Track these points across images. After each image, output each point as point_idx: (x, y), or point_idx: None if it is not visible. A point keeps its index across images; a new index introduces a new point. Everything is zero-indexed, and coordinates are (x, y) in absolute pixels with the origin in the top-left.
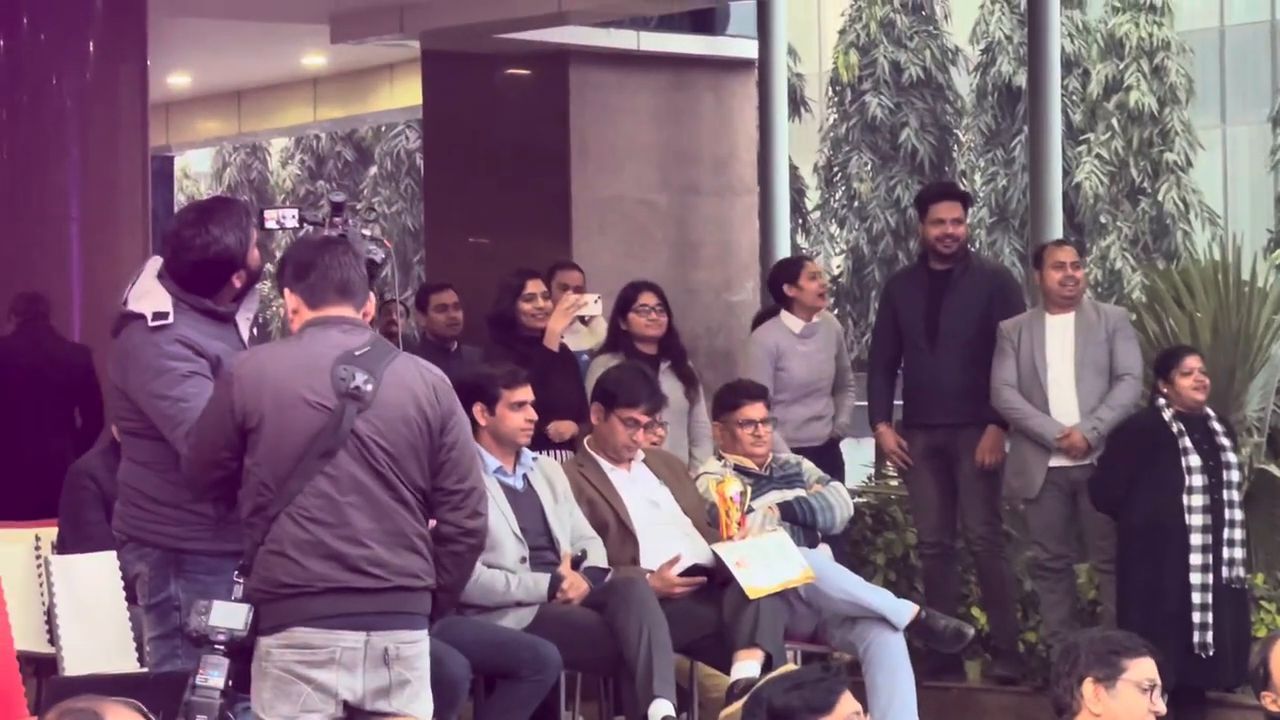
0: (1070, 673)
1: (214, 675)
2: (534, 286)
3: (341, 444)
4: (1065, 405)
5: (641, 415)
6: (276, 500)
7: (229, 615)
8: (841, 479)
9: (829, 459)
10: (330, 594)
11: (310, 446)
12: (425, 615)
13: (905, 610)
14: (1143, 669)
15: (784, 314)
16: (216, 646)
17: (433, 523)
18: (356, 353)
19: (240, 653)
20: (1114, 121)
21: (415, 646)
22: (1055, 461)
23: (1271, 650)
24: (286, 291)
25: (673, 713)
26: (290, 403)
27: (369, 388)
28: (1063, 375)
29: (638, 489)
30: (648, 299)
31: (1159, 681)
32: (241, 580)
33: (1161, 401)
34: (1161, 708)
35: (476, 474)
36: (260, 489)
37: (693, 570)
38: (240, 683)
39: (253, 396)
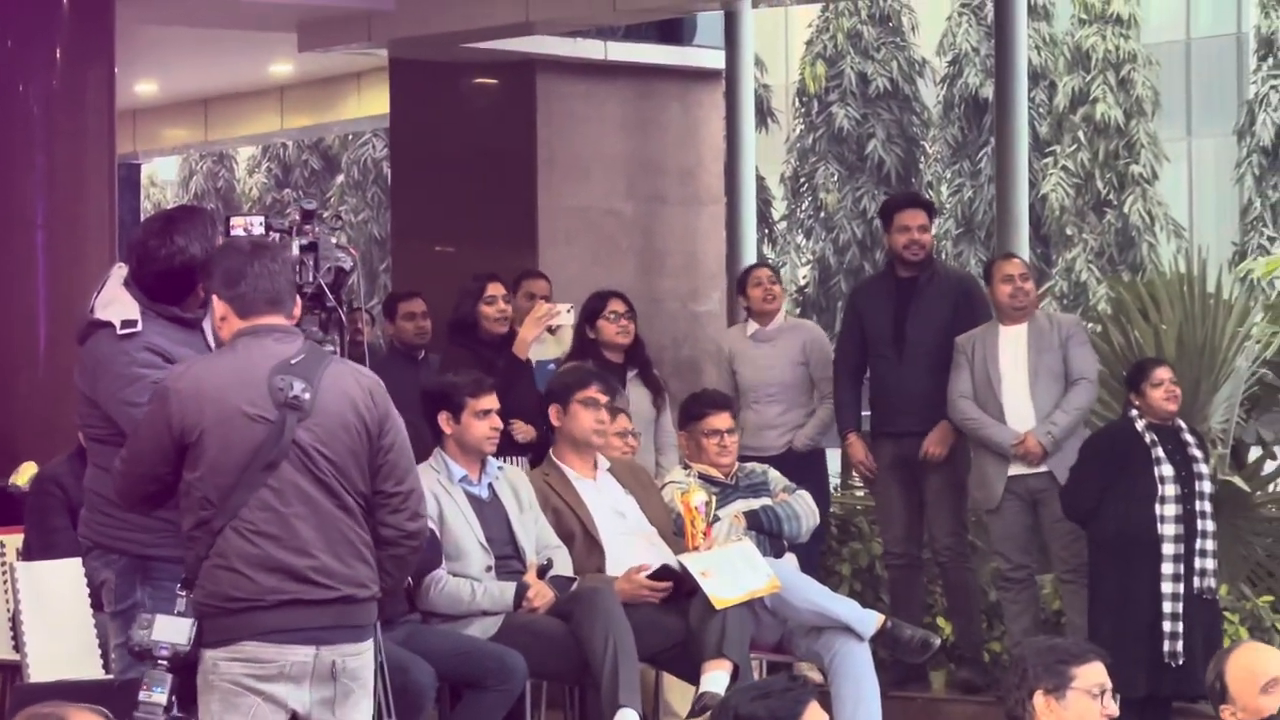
0: (1020, 685)
1: (157, 691)
2: (494, 289)
3: (284, 455)
4: (1021, 414)
5: (598, 394)
6: (220, 514)
7: (172, 630)
8: (825, 490)
9: (811, 470)
10: (281, 608)
11: (253, 460)
12: (370, 625)
13: (871, 620)
14: (1091, 675)
15: (748, 319)
16: (159, 662)
17: None
18: (292, 361)
19: (184, 667)
20: (1080, 134)
21: (360, 658)
22: (1014, 470)
23: (1226, 664)
24: (215, 298)
25: None
26: (229, 416)
27: (307, 396)
28: (1017, 385)
29: (604, 498)
30: (616, 306)
31: (1109, 685)
32: (185, 594)
33: (1134, 413)
34: (1114, 710)
35: (414, 476)
36: (203, 503)
37: (661, 572)
38: (183, 697)
39: (193, 411)
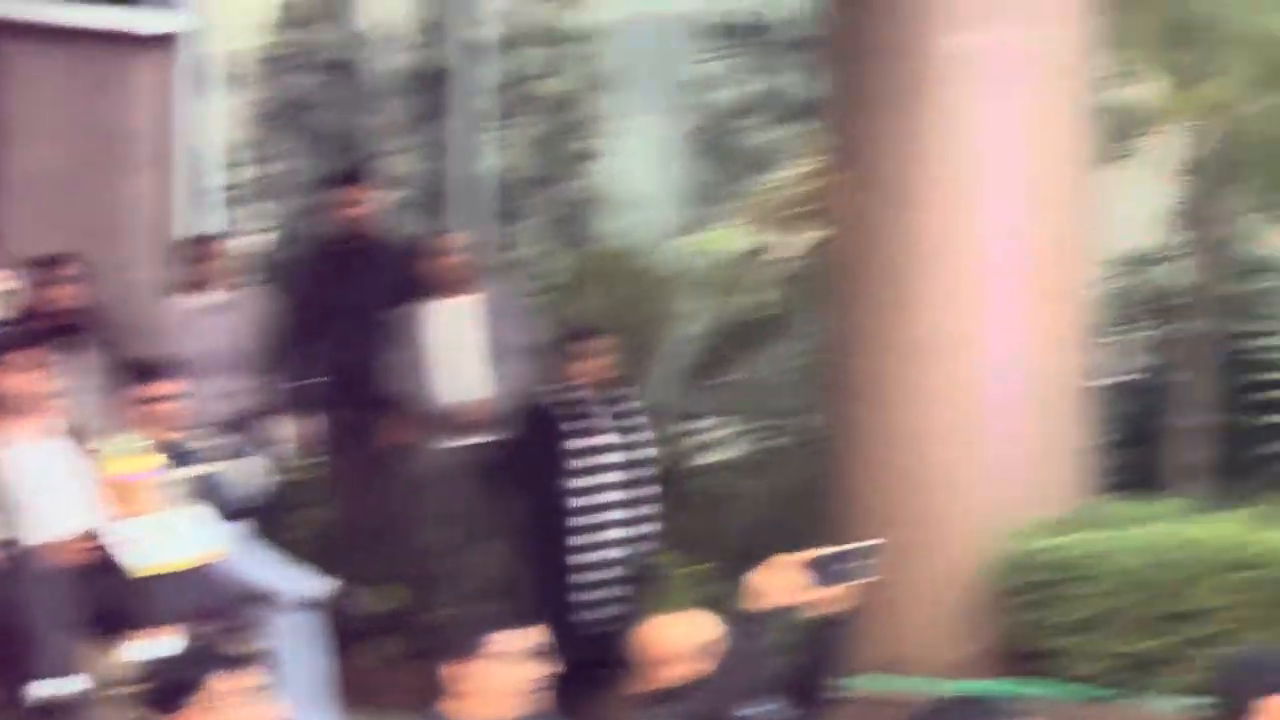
0: (456, 651)
1: None
2: None
3: None
4: (461, 385)
5: (34, 355)
6: None
7: None
8: (270, 455)
9: (252, 436)
10: None
11: None
12: None
13: (318, 588)
14: (511, 641)
15: (192, 291)
16: None
17: None
18: None
19: None
20: (531, 108)
21: None
22: (455, 441)
23: (641, 634)
24: None
25: (64, 691)
26: None
27: None
28: (454, 357)
29: (38, 463)
30: (64, 270)
31: (530, 649)
32: None
33: (567, 383)
34: (538, 675)
35: None
36: None
37: (90, 536)
38: None
39: None
